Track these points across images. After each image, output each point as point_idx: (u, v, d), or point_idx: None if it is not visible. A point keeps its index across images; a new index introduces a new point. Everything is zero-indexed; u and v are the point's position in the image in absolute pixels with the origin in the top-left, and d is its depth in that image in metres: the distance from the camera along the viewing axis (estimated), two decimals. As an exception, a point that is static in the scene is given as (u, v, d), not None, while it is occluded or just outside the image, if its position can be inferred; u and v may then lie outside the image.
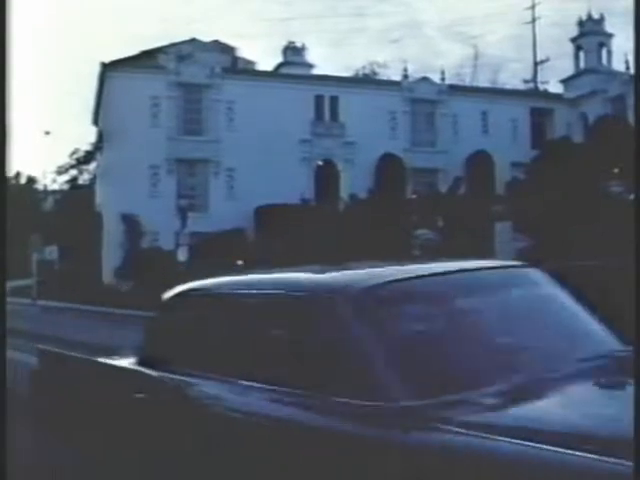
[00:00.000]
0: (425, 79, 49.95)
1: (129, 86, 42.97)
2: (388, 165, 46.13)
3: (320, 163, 46.98)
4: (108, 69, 44.30)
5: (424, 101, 49.20)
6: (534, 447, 3.14)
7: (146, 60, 45.23)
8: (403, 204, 39.05)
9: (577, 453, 3.04)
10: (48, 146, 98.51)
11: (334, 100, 47.58)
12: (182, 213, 34.32)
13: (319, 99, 47.43)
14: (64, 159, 64.10)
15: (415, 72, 52.00)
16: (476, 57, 64.01)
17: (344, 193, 45.41)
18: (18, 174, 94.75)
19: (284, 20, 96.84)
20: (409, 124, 48.70)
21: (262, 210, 42.14)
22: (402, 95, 48.67)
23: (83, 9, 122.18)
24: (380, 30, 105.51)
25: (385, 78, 56.23)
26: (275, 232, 36.63)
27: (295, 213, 38.78)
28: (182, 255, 31.97)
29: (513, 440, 3.20)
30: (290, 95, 45.22)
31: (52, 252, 47.65)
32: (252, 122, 43.96)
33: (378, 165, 46.35)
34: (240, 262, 33.65)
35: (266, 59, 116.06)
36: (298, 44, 51.55)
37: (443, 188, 45.21)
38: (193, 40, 48.08)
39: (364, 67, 63.72)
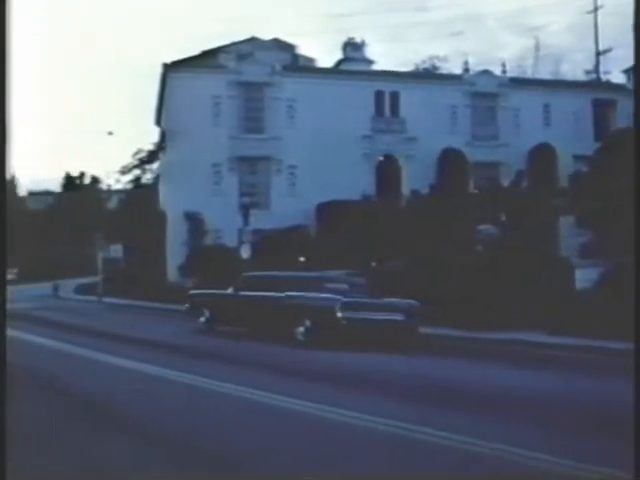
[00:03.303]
0: (486, 72, 49.44)
1: (190, 86, 43.42)
2: (449, 160, 45.87)
3: (381, 159, 46.88)
4: (170, 69, 44.76)
5: (485, 94, 48.77)
6: None
7: (207, 60, 45.59)
8: (465, 199, 38.81)
9: None
10: (111, 146, 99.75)
11: (394, 95, 47.43)
12: (244, 210, 34.54)
13: (379, 95, 47.31)
14: (127, 159, 64.77)
15: (476, 65, 51.56)
16: (537, 48, 62.72)
17: (405, 189, 45.27)
18: (82, 174, 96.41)
19: (343, 16, 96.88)
20: (470, 118, 48.35)
21: (324, 207, 42.22)
22: (463, 89, 48.29)
23: (144, 10, 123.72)
24: (440, 23, 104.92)
25: (445, 72, 55.84)
26: (337, 228, 36.71)
27: (357, 209, 38.82)
28: (245, 252, 32.21)
29: None
30: (350, 91, 45.24)
31: (117, 250, 48.38)
32: (313, 119, 44.08)
33: (439, 160, 46.10)
34: (302, 259, 33.80)
35: (326, 56, 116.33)
36: (357, 40, 51.48)
37: (505, 182, 44.78)
38: (253, 39, 48.27)
39: (424, 61, 63.21)
